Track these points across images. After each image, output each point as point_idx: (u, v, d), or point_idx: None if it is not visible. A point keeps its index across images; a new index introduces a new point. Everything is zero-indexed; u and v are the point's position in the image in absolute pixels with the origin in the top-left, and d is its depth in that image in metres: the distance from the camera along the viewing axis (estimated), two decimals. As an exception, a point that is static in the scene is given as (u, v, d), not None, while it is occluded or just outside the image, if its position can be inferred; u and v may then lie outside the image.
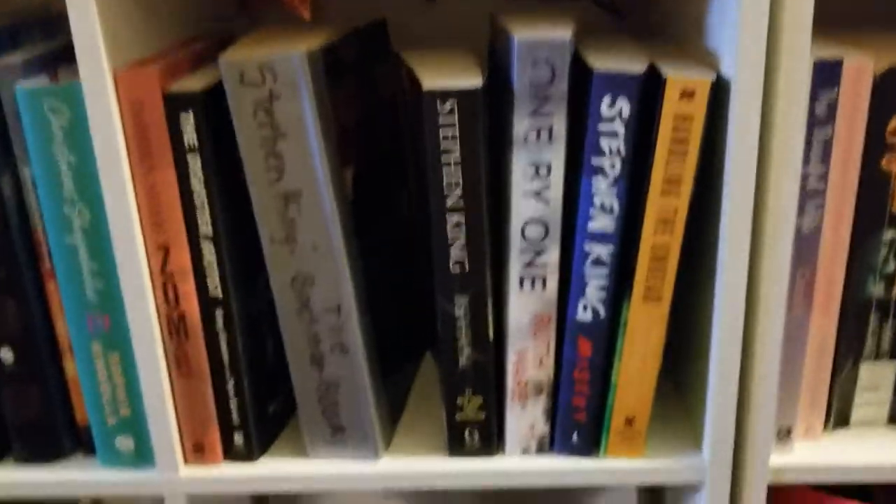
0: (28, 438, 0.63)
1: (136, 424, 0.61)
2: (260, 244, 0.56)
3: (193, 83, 0.55)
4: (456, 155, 0.54)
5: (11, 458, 0.64)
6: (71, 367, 0.62)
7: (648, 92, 0.53)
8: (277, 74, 0.52)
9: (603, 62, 0.54)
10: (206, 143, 0.54)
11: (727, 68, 0.53)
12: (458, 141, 0.53)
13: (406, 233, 0.73)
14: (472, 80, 0.53)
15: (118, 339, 0.59)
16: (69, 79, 0.55)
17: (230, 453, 0.63)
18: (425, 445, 0.64)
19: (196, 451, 0.62)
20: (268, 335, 0.64)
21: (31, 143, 0.54)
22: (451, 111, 0.53)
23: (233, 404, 0.61)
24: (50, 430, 0.63)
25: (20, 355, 0.60)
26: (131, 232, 0.55)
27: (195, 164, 0.55)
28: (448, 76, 0.54)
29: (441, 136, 0.53)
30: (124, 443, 0.62)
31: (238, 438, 0.62)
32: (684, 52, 0.61)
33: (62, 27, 0.66)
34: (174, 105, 0.53)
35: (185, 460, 0.62)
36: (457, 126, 0.53)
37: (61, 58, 0.59)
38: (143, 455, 0.62)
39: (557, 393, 0.60)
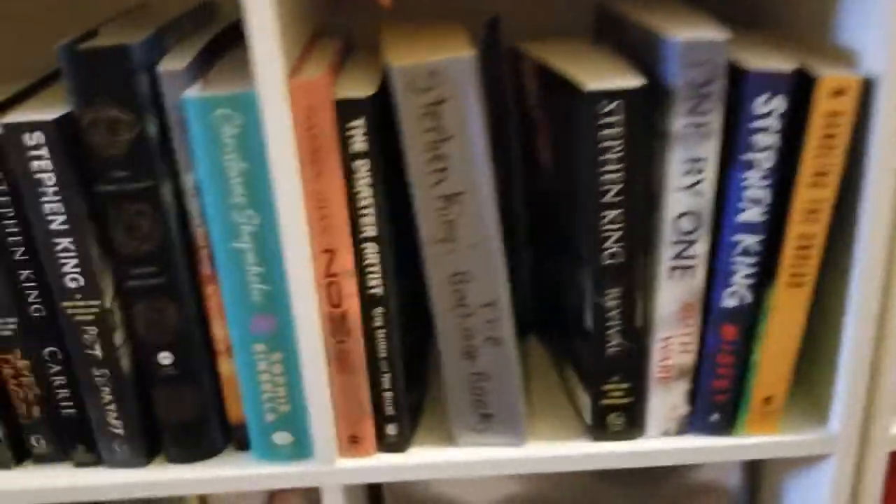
0: (182, 438, 0.62)
1: (293, 420, 0.61)
2: (412, 243, 0.56)
3: (360, 89, 0.54)
4: (616, 153, 0.53)
5: (164, 458, 0.64)
6: (226, 368, 0.61)
7: (798, 88, 0.53)
8: (446, 79, 0.51)
9: (755, 61, 0.53)
10: (373, 148, 0.54)
11: (871, 65, 0.53)
12: (620, 140, 0.53)
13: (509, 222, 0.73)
14: (633, 79, 0.53)
15: (281, 340, 0.58)
16: (219, 80, 0.54)
17: (382, 444, 0.62)
18: (562, 429, 0.64)
19: (351, 442, 0.62)
20: (410, 329, 0.64)
21: (199, 150, 0.53)
22: (614, 111, 0.52)
23: (387, 397, 0.61)
24: (203, 430, 0.62)
25: (178, 358, 0.60)
26: (301, 236, 0.55)
27: (363, 169, 0.54)
28: (605, 76, 0.54)
29: (601, 135, 0.53)
30: (282, 438, 0.62)
31: (391, 429, 0.62)
32: (806, 46, 0.61)
33: (191, 18, 0.64)
34: (344, 112, 0.53)
35: (341, 452, 0.62)
36: (619, 125, 0.53)
37: (206, 58, 0.58)
38: (299, 449, 0.62)
39: (699, 376, 0.60)
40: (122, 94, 0.53)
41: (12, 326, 0.59)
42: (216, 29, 0.64)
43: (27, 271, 0.57)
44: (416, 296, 0.64)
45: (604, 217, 0.55)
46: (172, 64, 0.54)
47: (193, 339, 0.60)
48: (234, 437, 0.64)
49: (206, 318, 0.60)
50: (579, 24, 0.75)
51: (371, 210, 0.55)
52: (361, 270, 0.57)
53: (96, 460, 0.63)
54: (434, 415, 0.67)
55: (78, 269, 0.56)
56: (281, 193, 0.53)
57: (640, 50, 0.58)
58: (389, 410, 0.61)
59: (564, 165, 0.60)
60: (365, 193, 0.55)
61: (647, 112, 0.54)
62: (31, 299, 0.58)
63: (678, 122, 0.53)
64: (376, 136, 0.53)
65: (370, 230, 0.56)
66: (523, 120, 0.71)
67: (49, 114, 0.54)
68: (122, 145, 0.54)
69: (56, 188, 0.54)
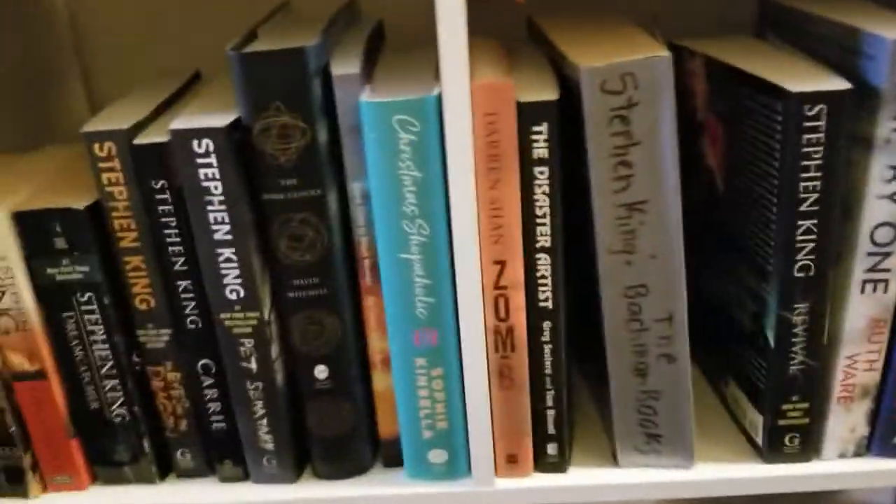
0: (331, 454, 0.60)
1: (450, 437, 0.58)
2: (579, 254, 0.53)
3: (541, 92, 0.51)
4: (816, 160, 0.50)
5: (311, 474, 0.61)
6: (380, 382, 0.58)
7: None
8: (641, 80, 0.48)
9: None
10: (554, 154, 0.51)
11: None
12: (822, 146, 0.49)
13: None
14: (838, 81, 0.49)
15: (443, 354, 0.56)
16: (387, 85, 0.51)
17: (541, 464, 0.59)
18: (728, 450, 0.61)
19: (509, 462, 0.59)
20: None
21: (373, 157, 0.51)
22: (818, 115, 0.49)
23: (549, 415, 0.58)
24: (353, 445, 0.60)
25: (333, 372, 0.57)
26: (472, 247, 0.52)
27: (542, 176, 0.51)
28: (804, 77, 0.50)
29: (804, 140, 0.49)
30: (437, 456, 0.59)
31: (551, 449, 0.59)
32: None
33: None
34: (527, 116, 0.50)
35: (498, 472, 0.59)
36: (821, 130, 0.49)
37: (367, 62, 0.55)
38: (454, 467, 0.59)
39: (881, 395, 0.56)
40: (296, 99, 0.50)
41: (165, 338, 0.57)
42: (366, 30, 0.61)
43: (186, 282, 0.55)
44: (570, 310, 0.61)
45: (799, 227, 0.51)
46: (345, 68, 0.51)
47: (350, 352, 0.57)
48: (382, 453, 0.61)
49: (363, 330, 0.57)
50: (734, 19, 0.71)
51: (546, 220, 0.52)
52: (531, 283, 0.54)
53: (243, 476, 0.61)
54: (587, 434, 0.64)
55: (239, 281, 0.54)
56: (456, 202, 0.51)
57: (827, 47, 0.54)
58: (551, 429, 0.58)
59: (740, 171, 0.57)
60: (542, 202, 0.52)
61: (850, 116, 0.50)
62: (187, 311, 0.56)
63: (885, 127, 0.49)
64: (558, 142, 0.50)
65: (544, 240, 0.53)
66: (686, 123, 0.67)
67: (218, 120, 0.51)
68: (292, 152, 0.51)
69: (222, 197, 0.52)
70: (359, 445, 0.60)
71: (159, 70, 0.78)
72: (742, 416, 0.61)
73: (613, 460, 0.60)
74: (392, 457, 0.61)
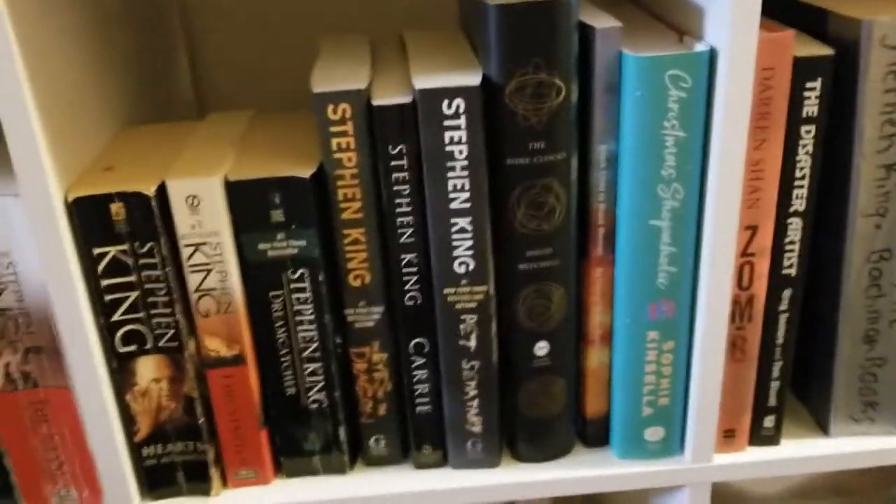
0: (537, 435, 0.56)
1: (669, 414, 0.55)
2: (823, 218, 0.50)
3: (814, 47, 0.48)
4: None
5: (509, 457, 0.57)
6: (594, 359, 0.55)
7: None
8: (924, 36, 0.46)
9: None
10: (823, 112, 0.48)
11: None
12: None
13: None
14: None
15: (677, 327, 0.52)
16: (643, 41, 0.47)
17: (755, 437, 0.57)
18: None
19: (726, 437, 0.56)
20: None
21: (634, 116, 0.47)
22: None
23: (773, 387, 0.55)
24: (559, 426, 0.56)
25: (554, 349, 0.53)
26: (731, 212, 0.48)
27: (808, 135, 0.48)
28: None
29: None
30: (654, 433, 0.55)
31: (768, 422, 0.56)
32: None
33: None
34: (802, 72, 0.47)
35: (715, 448, 0.56)
36: None
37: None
38: (668, 445, 0.56)
39: None
40: (557, 55, 0.46)
41: (376, 317, 0.52)
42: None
43: (410, 255, 0.50)
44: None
45: None
46: (607, 21, 0.47)
47: (571, 327, 0.53)
48: (585, 433, 0.57)
49: (584, 304, 0.53)
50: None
51: (805, 181, 0.49)
52: (777, 249, 0.51)
53: (441, 461, 0.56)
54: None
55: (470, 253, 0.49)
56: (721, 164, 0.47)
57: None
58: (772, 401, 0.55)
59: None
60: (803, 163, 0.49)
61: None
62: (407, 286, 0.51)
63: None
64: (828, 100, 0.47)
65: (798, 204, 0.50)
66: None
67: (468, 79, 0.46)
68: (544, 113, 0.47)
69: (466, 162, 0.47)
70: (565, 426, 0.56)
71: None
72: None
73: (819, 430, 0.58)
74: (596, 436, 0.57)
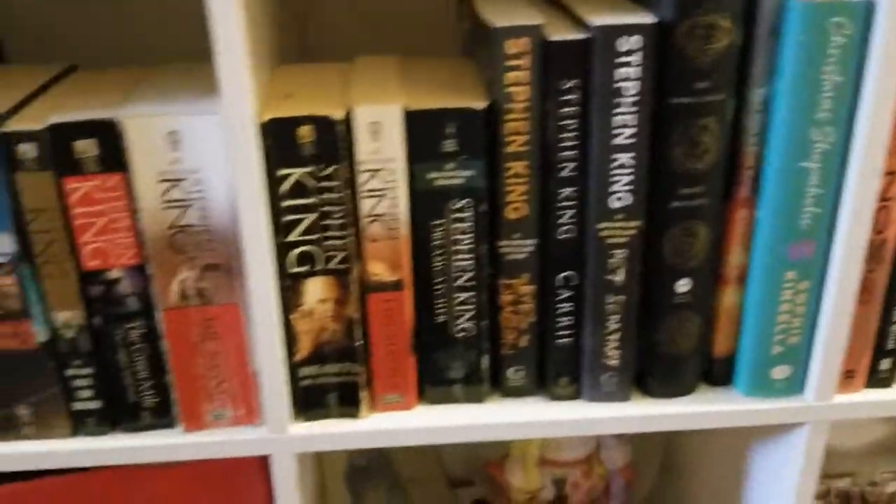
0: (668, 371, 0.58)
1: (797, 353, 0.57)
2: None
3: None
4: None
5: (644, 392, 0.60)
6: (728, 298, 0.57)
7: None
8: None
9: None
10: (971, 63, 0.50)
11: None
12: None
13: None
14: None
15: (814, 267, 0.55)
16: None
17: (871, 379, 0.59)
18: None
19: (846, 377, 0.59)
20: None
21: (795, 60, 0.49)
22: None
23: (892, 330, 0.58)
24: (689, 363, 0.59)
25: (695, 286, 0.56)
26: (877, 157, 0.51)
27: (955, 85, 0.51)
28: None
29: None
30: (781, 372, 0.58)
31: (885, 364, 0.59)
32: None
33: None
34: (955, 24, 0.49)
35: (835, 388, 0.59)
36: None
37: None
38: (792, 384, 0.59)
39: None
40: (729, -3, 0.48)
41: (529, 249, 0.55)
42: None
43: (568, 189, 0.53)
44: None
45: None
46: (773, -32, 0.49)
47: (711, 265, 0.56)
48: (710, 372, 0.60)
49: (724, 244, 0.56)
50: None
51: (947, 130, 0.52)
52: (913, 195, 0.54)
53: (575, 394, 0.59)
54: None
55: (628, 188, 0.52)
56: (873, 109, 0.50)
57: None
58: (890, 344, 0.58)
59: None
60: (947, 112, 0.51)
61: None
62: (562, 220, 0.54)
63: None
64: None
65: (939, 151, 0.52)
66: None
67: (643, 17, 0.49)
68: (710, 54, 0.50)
69: (635, 99, 0.50)
70: (694, 363, 0.59)
71: None
72: None
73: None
74: (721, 375, 0.60)
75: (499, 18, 0.50)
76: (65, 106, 0.50)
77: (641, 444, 0.87)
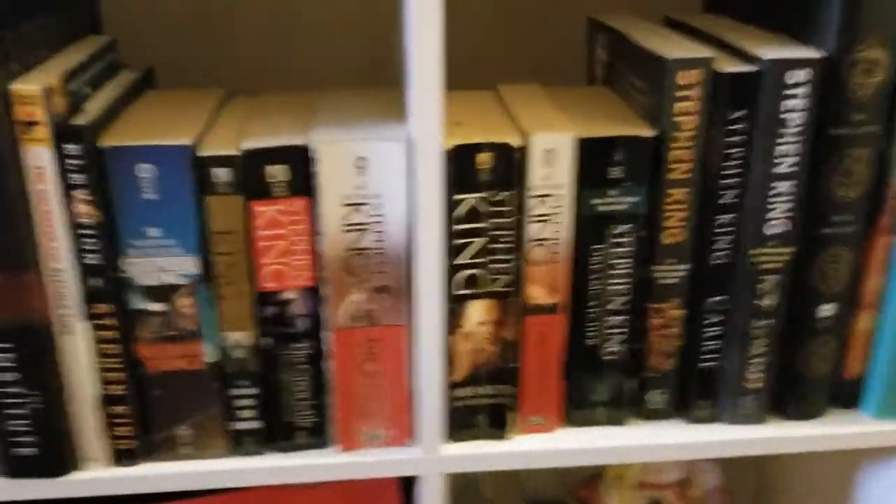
0: (804, 394, 0.60)
1: (931, 376, 0.59)
2: None
3: None
4: None
5: (778, 414, 0.61)
6: (863, 322, 0.59)
7: None
8: None
9: None
10: None
11: None
12: None
13: None
14: None
15: (954, 292, 0.57)
16: None
17: None
18: None
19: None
20: None
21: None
22: None
23: None
24: (823, 386, 0.60)
25: (836, 311, 0.57)
26: None
27: None
28: None
29: None
30: (913, 394, 0.60)
31: None
32: None
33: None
34: None
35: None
36: None
37: None
38: (923, 405, 0.60)
39: None
40: (891, 32, 0.51)
41: (681, 274, 0.56)
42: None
43: (725, 216, 0.55)
44: None
45: None
46: (931, 6, 0.52)
47: (851, 291, 0.58)
48: (838, 394, 0.62)
49: (863, 270, 0.58)
50: None
51: None
52: None
53: (714, 416, 0.60)
54: None
55: (786, 215, 0.54)
56: None
57: None
58: None
59: None
60: None
61: None
62: (717, 246, 0.55)
63: None
64: None
65: None
66: None
67: (811, 51, 0.51)
68: (870, 87, 0.52)
69: (798, 129, 0.52)
70: (827, 386, 0.60)
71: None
72: None
73: None
74: (849, 397, 0.61)
75: (664, 50, 0.52)
76: (249, 132, 0.51)
77: (733, 465, 0.88)
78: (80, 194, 0.48)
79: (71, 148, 0.47)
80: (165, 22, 0.69)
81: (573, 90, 0.62)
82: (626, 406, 0.59)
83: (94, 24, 0.65)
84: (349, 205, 0.51)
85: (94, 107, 0.51)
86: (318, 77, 0.71)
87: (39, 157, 0.47)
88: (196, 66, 0.70)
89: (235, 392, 0.54)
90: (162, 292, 0.51)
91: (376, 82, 0.73)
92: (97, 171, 0.48)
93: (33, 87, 0.46)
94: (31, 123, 0.46)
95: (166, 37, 0.70)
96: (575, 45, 0.73)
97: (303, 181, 0.50)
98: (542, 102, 0.58)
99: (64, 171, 0.48)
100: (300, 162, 0.49)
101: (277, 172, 0.49)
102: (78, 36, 0.59)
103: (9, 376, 0.51)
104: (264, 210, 0.50)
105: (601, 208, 0.53)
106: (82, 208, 0.48)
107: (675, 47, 0.53)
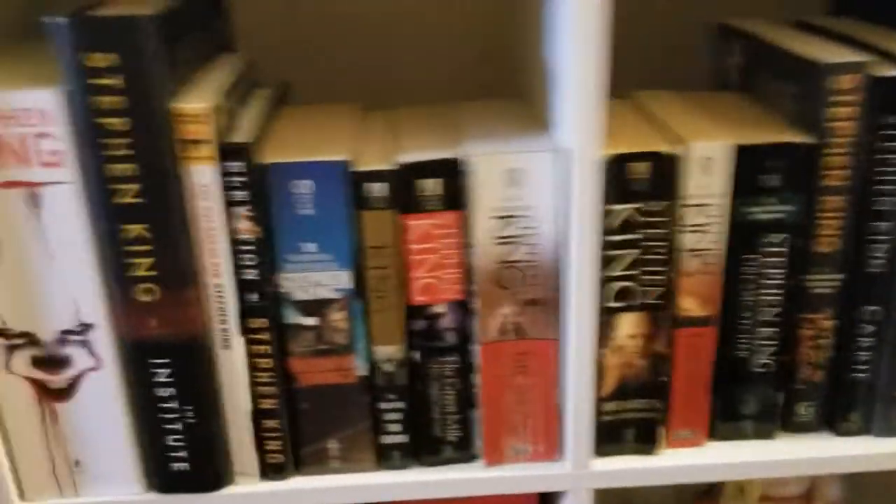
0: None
1: None
2: None
3: None
4: None
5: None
6: None
7: None
8: None
9: None
10: None
11: None
12: None
13: None
14: None
15: None
16: None
17: None
18: None
19: None
20: None
21: None
22: None
23: None
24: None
25: None
26: None
27: None
28: None
29: None
30: None
31: None
32: None
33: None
34: None
35: None
36: None
37: None
38: None
39: None
40: None
41: (835, 283, 0.55)
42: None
43: (883, 223, 0.53)
44: None
45: None
46: None
47: None
48: None
49: None
50: None
51: None
52: None
53: (864, 429, 0.58)
54: None
55: (946, 221, 0.52)
56: None
57: None
58: None
59: None
60: None
61: None
62: (873, 254, 0.54)
63: None
64: None
65: None
66: None
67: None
68: None
69: None
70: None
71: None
72: None
73: None
74: None
75: (816, 55, 0.51)
76: (400, 146, 0.52)
77: (853, 477, 0.85)
78: (241, 211, 0.49)
79: (233, 165, 0.48)
80: (284, 40, 0.70)
81: (710, 97, 0.61)
82: (776, 419, 0.58)
83: (230, 43, 0.66)
84: (501, 217, 0.50)
85: (247, 124, 0.52)
86: (426, 90, 0.71)
87: (203, 175, 0.48)
88: (333, 80, 0.70)
89: (383, 406, 0.54)
90: (315, 307, 0.51)
91: (489, 95, 0.72)
92: (258, 187, 0.49)
93: (202, 106, 0.46)
94: (198, 141, 0.47)
95: (312, 52, 0.70)
96: (680, 51, 0.72)
97: (456, 194, 0.50)
98: (685, 110, 0.57)
99: (226, 188, 0.48)
100: (452, 175, 0.49)
101: (430, 186, 0.49)
102: (215, 55, 0.60)
103: (164, 391, 0.52)
104: (417, 224, 0.50)
105: (755, 217, 0.52)
106: (243, 224, 0.49)
107: (827, 51, 0.52)
